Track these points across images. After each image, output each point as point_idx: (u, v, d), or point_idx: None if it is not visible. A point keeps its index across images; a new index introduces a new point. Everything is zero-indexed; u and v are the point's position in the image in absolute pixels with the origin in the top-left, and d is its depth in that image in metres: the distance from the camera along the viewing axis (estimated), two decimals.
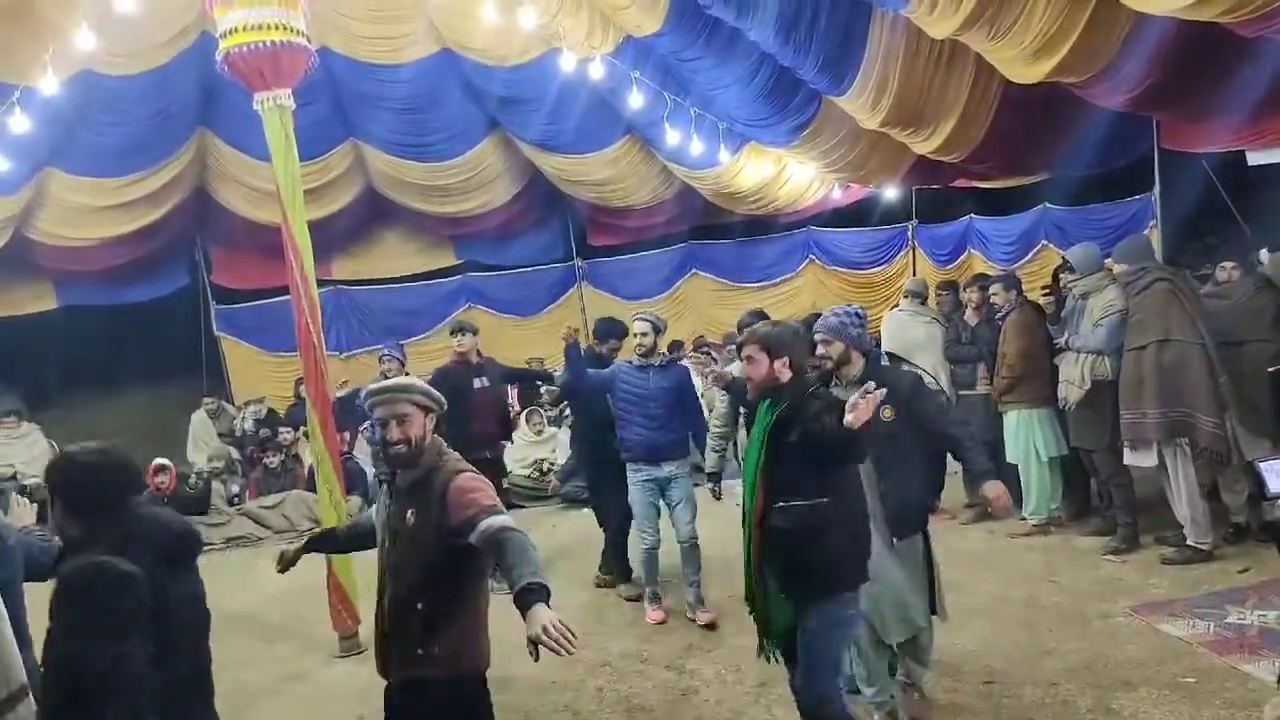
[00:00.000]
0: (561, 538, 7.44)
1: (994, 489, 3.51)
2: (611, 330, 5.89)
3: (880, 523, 3.43)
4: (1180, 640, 4.12)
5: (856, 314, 3.64)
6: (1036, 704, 3.72)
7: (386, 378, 6.42)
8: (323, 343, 5.40)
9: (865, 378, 3.48)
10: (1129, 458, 5.20)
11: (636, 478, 5.11)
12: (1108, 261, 5.59)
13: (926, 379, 3.93)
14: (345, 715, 4.43)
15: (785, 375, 3.04)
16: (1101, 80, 5.22)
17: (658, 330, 5.11)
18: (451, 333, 6.46)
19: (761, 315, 4.29)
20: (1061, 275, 6.21)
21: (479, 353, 6.74)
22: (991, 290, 6.28)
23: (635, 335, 5.15)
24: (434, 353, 12.13)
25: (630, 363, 5.15)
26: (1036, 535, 5.90)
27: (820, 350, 3.64)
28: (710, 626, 4.92)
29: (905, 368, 3.89)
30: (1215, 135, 6.81)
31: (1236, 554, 5.01)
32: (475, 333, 6.41)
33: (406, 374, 6.53)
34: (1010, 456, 6.05)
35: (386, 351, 6.81)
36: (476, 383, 6.26)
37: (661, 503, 5.16)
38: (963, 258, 12.48)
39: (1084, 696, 3.72)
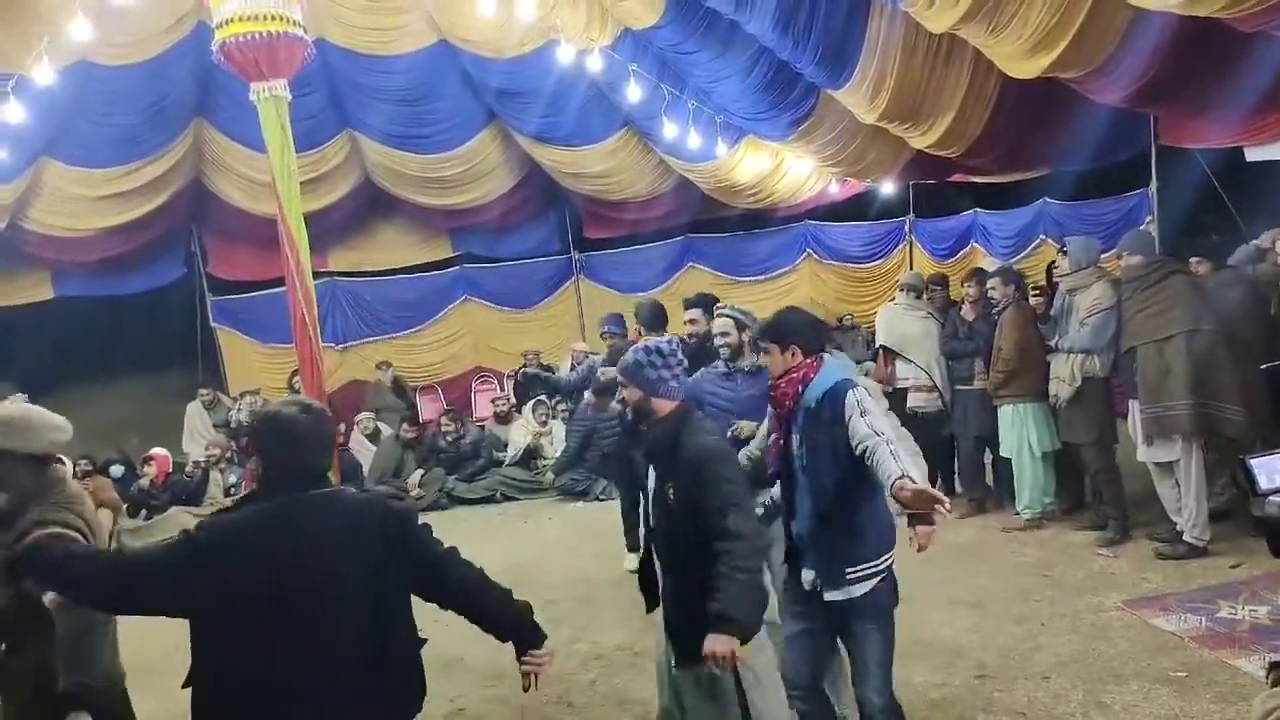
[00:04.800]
0: (557, 530, 7.46)
1: (713, 643, 2.57)
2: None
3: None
4: (1171, 634, 4.14)
5: (659, 351, 2.89)
6: (1027, 697, 3.73)
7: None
8: (318, 334, 5.39)
9: (664, 438, 2.86)
10: (1145, 454, 5.20)
11: None
12: (1106, 255, 5.61)
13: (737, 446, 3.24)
14: None
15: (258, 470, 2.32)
16: (1100, 76, 5.21)
17: (742, 326, 4.12)
18: (686, 307, 5.41)
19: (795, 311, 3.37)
20: (1056, 265, 6.23)
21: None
22: (989, 285, 6.28)
23: (716, 335, 4.27)
24: (429, 345, 12.16)
25: (714, 368, 4.25)
26: (1030, 529, 5.91)
27: (620, 394, 3.12)
28: None
29: (712, 437, 2.92)
30: (1213, 131, 6.80)
31: (1228, 549, 5.03)
32: (709, 307, 5.18)
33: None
34: (1004, 450, 6.07)
35: (607, 329, 6.41)
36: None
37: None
38: (964, 252, 12.51)
39: (1075, 690, 3.74)
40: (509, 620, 2.42)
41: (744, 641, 2.65)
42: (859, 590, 2.85)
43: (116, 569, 2.25)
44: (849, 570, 2.84)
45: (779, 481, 3.10)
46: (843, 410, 2.81)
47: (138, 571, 2.20)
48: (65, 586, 2.22)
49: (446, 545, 2.40)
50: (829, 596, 2.88)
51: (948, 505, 2.49)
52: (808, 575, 2.94)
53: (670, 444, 2.85)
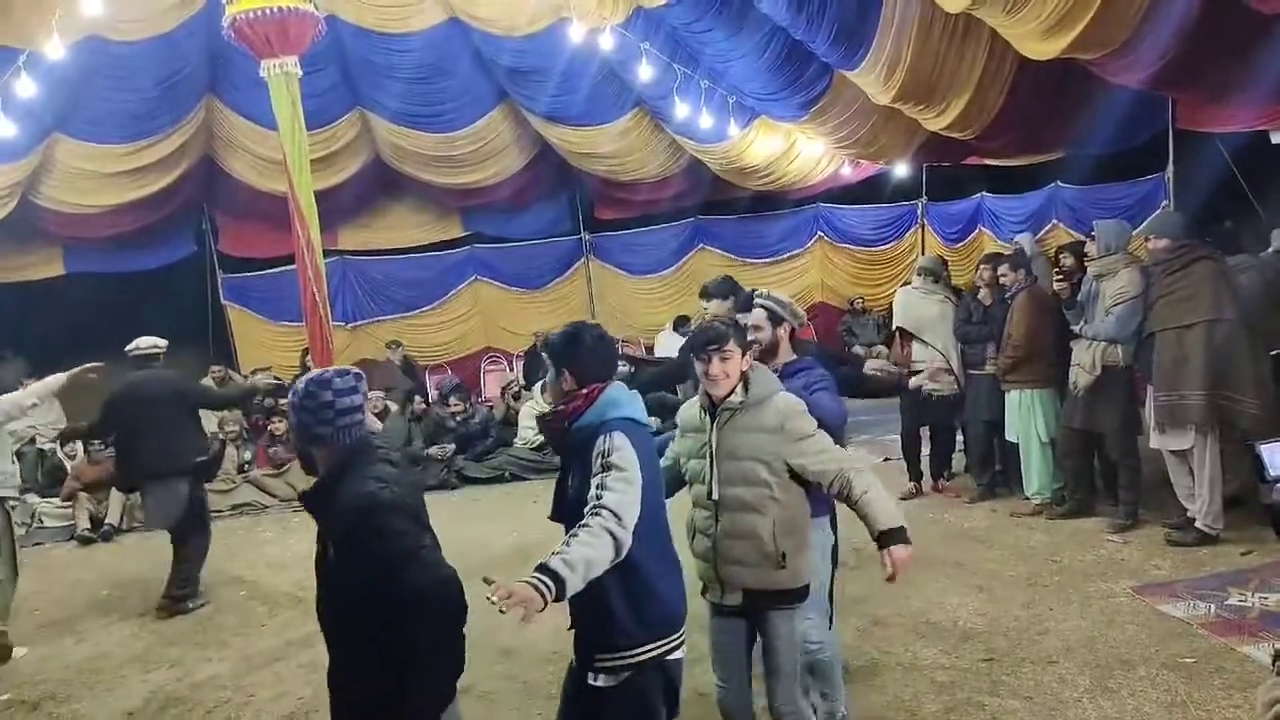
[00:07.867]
0: None
1: None
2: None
3: None
4: (1180, 621, 4.13)
5: (295, 391, 2.41)
6: (1034, 681, 3.73)
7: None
8: (328, 313, 5.42)
9: (321, 486, 2.33)
10: (1157, 441, 5.16)
11: None
12: (1135, 234, 5.53)
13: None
14: None
15: None
16: (1118, 57, 5.14)
17: (778, 320, 3.35)
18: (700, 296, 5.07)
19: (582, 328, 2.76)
20: (1061, 256, 6.16)
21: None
22: (1000, 270, 6.23)
23: (748, 329, 3.37)
24: (439, 325, 12.18)
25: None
26: (1039, 515, 5.90)
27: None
28: None
29: (377, 484, 2.22)
30: (1236, 115, 6.71)
31: (1239, 537, 5.01)
32: (726, 296, 4.53)
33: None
34: (1009, 435, 6.06)
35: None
36: None
37: None
38: (972, 236, 12.44)
39: (1082, 675, 3.74)
40: None
41: None
42: (603, 681, 2.43)
43: None
44: (597, 656, 2.43)
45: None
46: (590, 454, 2.42)
47: None
48: None
49: None
50: (589, 680, 2.47)
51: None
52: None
53: (326, 492, 2.30)
